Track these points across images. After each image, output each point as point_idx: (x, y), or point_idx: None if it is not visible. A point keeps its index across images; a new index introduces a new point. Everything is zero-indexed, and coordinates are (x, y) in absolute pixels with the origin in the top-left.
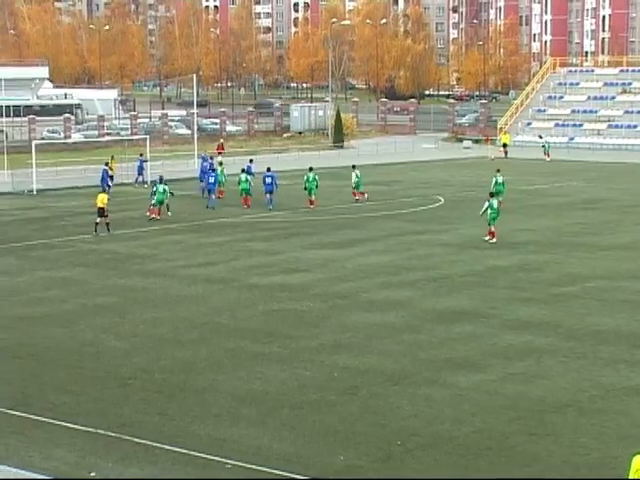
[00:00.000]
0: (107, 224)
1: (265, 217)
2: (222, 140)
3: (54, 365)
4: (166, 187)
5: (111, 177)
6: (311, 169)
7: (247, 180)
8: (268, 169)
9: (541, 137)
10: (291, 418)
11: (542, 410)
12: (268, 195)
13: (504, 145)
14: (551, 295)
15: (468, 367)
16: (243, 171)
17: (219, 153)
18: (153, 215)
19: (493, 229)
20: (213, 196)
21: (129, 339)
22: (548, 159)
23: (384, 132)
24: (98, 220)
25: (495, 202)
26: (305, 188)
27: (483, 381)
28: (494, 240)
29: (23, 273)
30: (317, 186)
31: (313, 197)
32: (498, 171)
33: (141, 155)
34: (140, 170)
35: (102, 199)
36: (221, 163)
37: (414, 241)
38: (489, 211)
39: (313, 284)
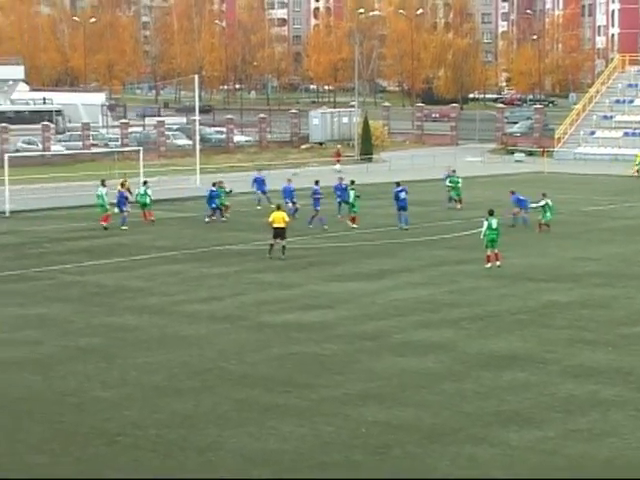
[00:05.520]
0: (283, 247)
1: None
2: (339, 146)
3: (29, 419)
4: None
5: (126, 198)
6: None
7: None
8: (398, 183)
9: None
10: None
11: (609, 472)
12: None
13: None
14: (620, 336)
15: (521, 422)
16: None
17: (337, 161)
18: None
19: (490, 252)
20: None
21: (118, 388)
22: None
23: (420, 143)
24: (273, 242)
25: (494, 221)
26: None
27: (539, 439)
28: (490, 265)
29: None
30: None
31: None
32: (544, 195)
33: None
34: (261, 186)
35: (282, 217)
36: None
37: (457, 272)
38: (487, 232)
39: (336, 323)
